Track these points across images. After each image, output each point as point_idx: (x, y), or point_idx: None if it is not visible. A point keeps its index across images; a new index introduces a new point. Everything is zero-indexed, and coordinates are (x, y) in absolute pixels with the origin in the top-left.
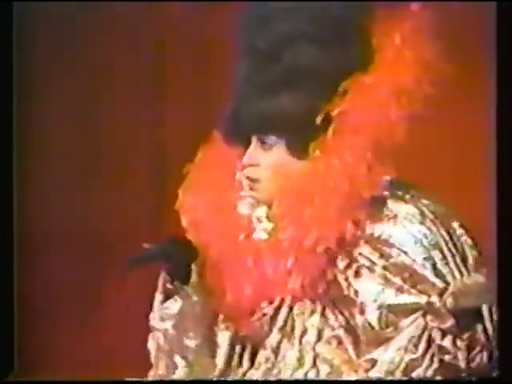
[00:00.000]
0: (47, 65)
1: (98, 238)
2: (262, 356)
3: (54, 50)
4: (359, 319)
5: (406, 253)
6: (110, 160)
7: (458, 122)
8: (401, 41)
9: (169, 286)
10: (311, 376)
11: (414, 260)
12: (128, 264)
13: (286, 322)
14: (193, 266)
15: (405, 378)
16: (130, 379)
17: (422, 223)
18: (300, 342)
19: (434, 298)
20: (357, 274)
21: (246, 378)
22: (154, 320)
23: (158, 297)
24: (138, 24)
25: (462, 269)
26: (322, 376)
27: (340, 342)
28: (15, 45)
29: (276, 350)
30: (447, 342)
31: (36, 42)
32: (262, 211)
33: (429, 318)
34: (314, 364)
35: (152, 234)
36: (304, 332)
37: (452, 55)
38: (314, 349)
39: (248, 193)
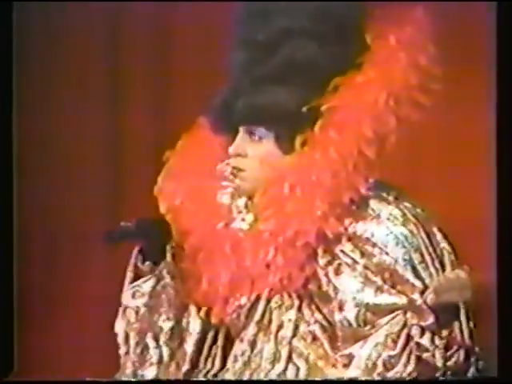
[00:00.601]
0: (47, 65)
1: (99, 237)
2: (238, 349)
3: (53, 50)
4: (337, 316)
5: (387, 253)
6: (111, 159)
7: (456, 125)
8: (396, 42)
9: (140, 265)
10: (290, 372)
11: (395, 260)
12: (104, 240)
13: (263, 315)
14: (167, 247)
15: (406, 379)
16: (129, 379)
17: (404, 225)
18: (276, 337)
19: (416, 296)
20: (337, 270)
21: (220, 372)
22: (125, 298)
23: (129, 275)
24: (138, 24)
25: (440, 273)
26: (301, 371)
27: (315, 338)
28: (15, 45)
29: (252, 344)
30: (426, 340)
31: (36, 42)
32: (242, 202)
33: (409, 315)
34: (290, 359)
35: None
36: (280, 326)
37: (451, 56)
38: (289, 343)
39: (231, 183)
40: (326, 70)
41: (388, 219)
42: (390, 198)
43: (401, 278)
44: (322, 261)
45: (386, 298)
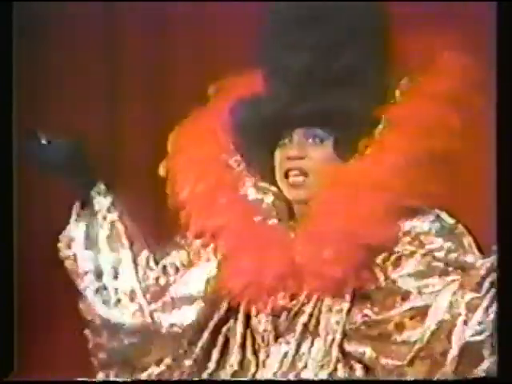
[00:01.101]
0: (47, 65)
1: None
2: (282, 349)
3: (53, 50)
4: (404, 307)
5: (442, 244)
6: (111, 159)
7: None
8: (448, 54)
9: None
10: (340, 373)
11: (454, 250)
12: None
13: (311, 316)
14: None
15: (406, 379)
16: (129, 379)
17: (454, 226)
18: (325, 340)
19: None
20: (396, 264)
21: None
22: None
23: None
24: (138, 24)
25: None
26: (357, 372)
27: (380, 335)
28: (15, 45)
29: (298, 346)
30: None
31: (36, 42)
32: (269, 200)
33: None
34: (339, 361)
35: (155, 233)
36: (329, 329)
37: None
38: (338, 346)
39: (297, 183)
40: (385, 75)
41: (437, 219)
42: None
43: (464, 262)
44: (379, 259)
45: (452, 279)
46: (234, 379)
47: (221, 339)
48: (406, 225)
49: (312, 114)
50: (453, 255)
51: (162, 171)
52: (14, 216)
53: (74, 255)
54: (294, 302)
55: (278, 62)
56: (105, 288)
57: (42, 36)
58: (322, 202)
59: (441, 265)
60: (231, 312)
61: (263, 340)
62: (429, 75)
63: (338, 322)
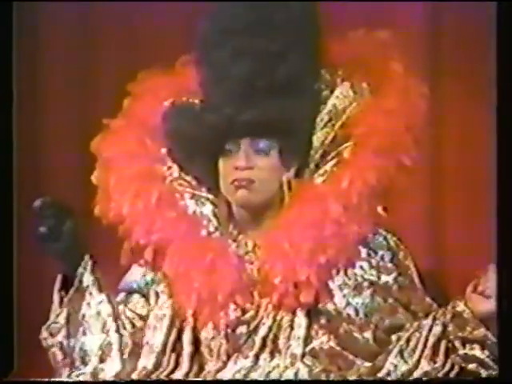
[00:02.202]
0: (47, 65)
1: (99, 237)
2: (239, 363)
3: (53, 50)
4: (357, 335)
5: (400, 274)
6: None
7: (460, 126)
8: (404, 70)
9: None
10: None
11: (409, 282)
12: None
13: (269, 330)
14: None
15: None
16: (129, 379)
17: (405, 253)
18: (284, 353)
19: (461, 307)
20: (355, 290)
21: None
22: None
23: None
24: (138, 24)
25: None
26: None
27: (331, 356)
28: (15, 44)
29: (255, 360)
30: (476, 351)
31: (36, 42)
32: (208, 209)
33: (451, 327)
34: (297, 376)
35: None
36: (288, 343)
37: (451, 57)
38: (299, 361)
39: (237, 193)
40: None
41: (394, 247)
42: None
43: (416, 298)
44: (338, 280)
45: (402, 317)
46: (232, 379)
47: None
48: (363, 251)
49: (256, 123)
50: (405, 292)
51: (94, 180)
52: (14, 216)
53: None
54: (250, 315)
55: (222, 69)
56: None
57: (42, 36)
58: (289, 221)
59: (393, 301)
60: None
61: (218, 355)
62: (382, 91)
63: (298, 337)
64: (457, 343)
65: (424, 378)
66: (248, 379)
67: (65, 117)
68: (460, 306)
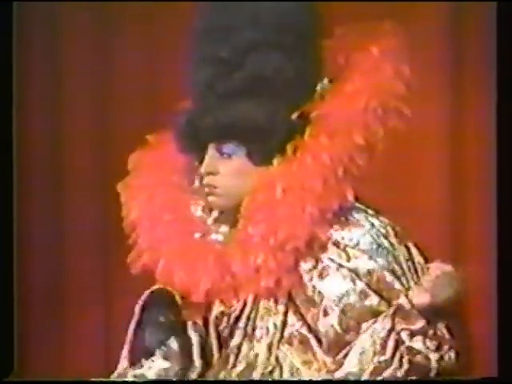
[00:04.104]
0: (47, 65)
1: (99, 238)
2: (223, 354)
3: (53, 50)
4: (322, 321)
5: (372, 259)
6: (112, 161)
7: (455, 128)
8: (379, 53)
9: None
10: (275, 377)
11: (380, 267)
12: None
13: (248, 320)
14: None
15: (408, 379)
16: (128, 379)
17: (386, 237)
18: (262, 342)
19: (403, 300)
20: (322, 275)
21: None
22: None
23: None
24: (138, 24)
25: (424, 276)
26: (284, 377)
27: (302, 343)
28: (15, 45)
29: (237, 351)
30: (417, 343)
31: (36, 42)
32: (215, 214)
33: (397, 319)
34: (277, 364)
35: None
36: (266, 332)
37: (450, 57)
38: (276, 349)
39: (205, 200)
40: (292, 82)
41: (372, 230)
42: (370, 211)
43: (386, 284)
44: (306, 265)
45: (370, 303)
46: (233, 379)
47: None
48: (336, 234)
49: (219, 127)
50: (375, 277)
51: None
52: (14, 216)
53: None
54: (233, 307)
55: (194, 74)
56: None
57: (42, 36)
58: (246, 209)
59: (363, 286)
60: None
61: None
62: (349, 75)
63: (275, 325)
64: (403, 336)
65: (424, 378)
66: (248, 379)
67: (64, 117)
68: (402, 299)
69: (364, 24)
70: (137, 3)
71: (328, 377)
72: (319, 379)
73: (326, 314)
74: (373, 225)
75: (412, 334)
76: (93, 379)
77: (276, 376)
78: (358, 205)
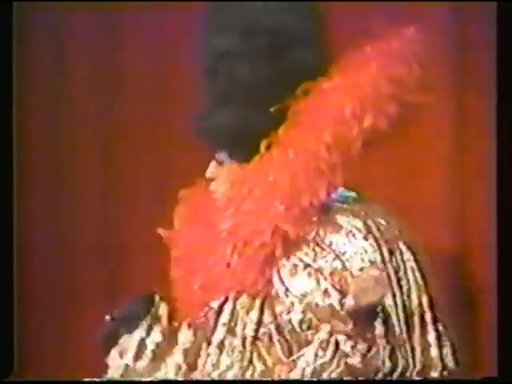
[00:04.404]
0: (47, 65)
1: (99, 238)
2: (207, 351)
3: (53, 50)
4: (285, 318)
5: (342, 261)
6: (112, 165)
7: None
8: (369, 52)
9: None
10: (249, 373)
11: (348, 269)
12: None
13: (231, 317)
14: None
15: (407, 379)
16: (128, 379)
17: (365, 238)
18: (241, 338)
19: (335, 303)
20: (290, 272)
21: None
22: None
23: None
24: (138, 24)
25: (396, 289)
26: (256, 373)
27: (271, 340)
28: (15, 45)
29: (220, 346)
30: (347, 346)
31: (36, 42)
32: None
33: (333, 322)
34: (251, 361)
35: (150, 246)
36: (244, 328)
37: (451, 58)
38: (251, 344)
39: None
40: (266, 86)
41: (350, 231)
42: (357, 209)
43: (347, 284)
44: (277, 262)
45: (330, 304)
46: (233, 379)
47: None
48: (309, 232)
49: (208, 134)
50: (338, 277)
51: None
52: (14, 216)
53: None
54: (216, 304)
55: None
56: None
57: (42, 36)
58: (223, 203)
59: (327, 285)
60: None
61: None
62: (335, 72)
63: (251, 321)
64: (339, 338)
65: (423, 378)
66: (247, 379)
67: (64, 117)
68: (335, 302)
69: (359, 24)
70: (137, 3)
71: (288, 376)
72: (314, 379)
73: (289, 311)
74: (353, 226)
75: (346, 337)
76: (93, 379)
77: (249, 372)
78: (344, 203)
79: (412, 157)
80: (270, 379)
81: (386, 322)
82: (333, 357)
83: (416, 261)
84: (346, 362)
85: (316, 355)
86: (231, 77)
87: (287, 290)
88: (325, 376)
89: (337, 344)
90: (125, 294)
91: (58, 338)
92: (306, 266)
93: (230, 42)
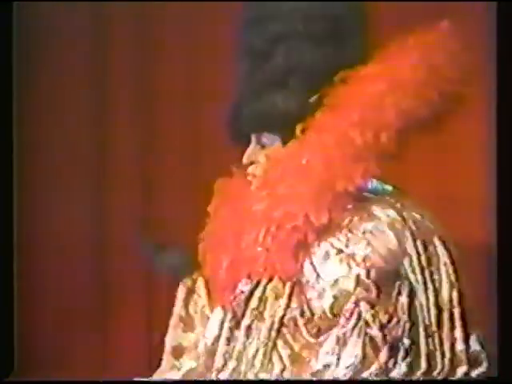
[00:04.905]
0: (47, 65)
1: (99, 238)
2: (236, 336)
3: (54, 50)
4: (316, 304)
5: (374, 249)
6: (112, 163)
7: (457, 127)
8: (412, 42)
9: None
10: (275, 359)
11: (380, 257)
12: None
13: (259, 302)
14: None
15: (408, 379)
16: (129, 379)
17: (402, 228)
18: (269, 323)
19: (358, 270)
20: (322, 258)
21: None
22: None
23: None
24: (138, 25)
25: (429, 284)
26: (284, 359)
27: (296, 326)
28: (15, 45)
29: (248, 331)
30: (368, 315)
31: (36, 42)
32: None
33: (357, 290)
34: (275, 347)
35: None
36: (273, 314)
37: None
38: (278, 331)
39: (251, 188)
40: (322, 70)
41: (385, 221)
42: (393, 201)
43: (383, 274)
44: (309, 248)
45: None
46: (234, 379)
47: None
48: (343, 218)
49: (254, 118)
50: (369, 263)
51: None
52: (14, 216)
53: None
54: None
55: (234, 67)
56: None
57: (42, 36)
58: (258, 184)
59: (360, 272)
60: None
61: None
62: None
63: (279, 307)
64: (362, 307)
65: (423, 379)
66: (247, 379)
67: (65, 117)
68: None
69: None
70: (137, 3)
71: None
72: (319, 379)
73: (320, 297)
74: (388, 216)
75: (369, 306)
76: (93, 379)
77: (275, 358)
78: (382, 194)
79: (450, 147)
80: (294, 370)
81: (410, 294)
82: (355, 325)
83: (449, 256)
84: (365, 332)
85: (342, 326)
86: (288, 60)
87: (318, 275)
88: (349, 346)
89: (359, 314)
90: (125, 293)
91: (58, 338)
92: (339, 251)
93: (286, 26)
